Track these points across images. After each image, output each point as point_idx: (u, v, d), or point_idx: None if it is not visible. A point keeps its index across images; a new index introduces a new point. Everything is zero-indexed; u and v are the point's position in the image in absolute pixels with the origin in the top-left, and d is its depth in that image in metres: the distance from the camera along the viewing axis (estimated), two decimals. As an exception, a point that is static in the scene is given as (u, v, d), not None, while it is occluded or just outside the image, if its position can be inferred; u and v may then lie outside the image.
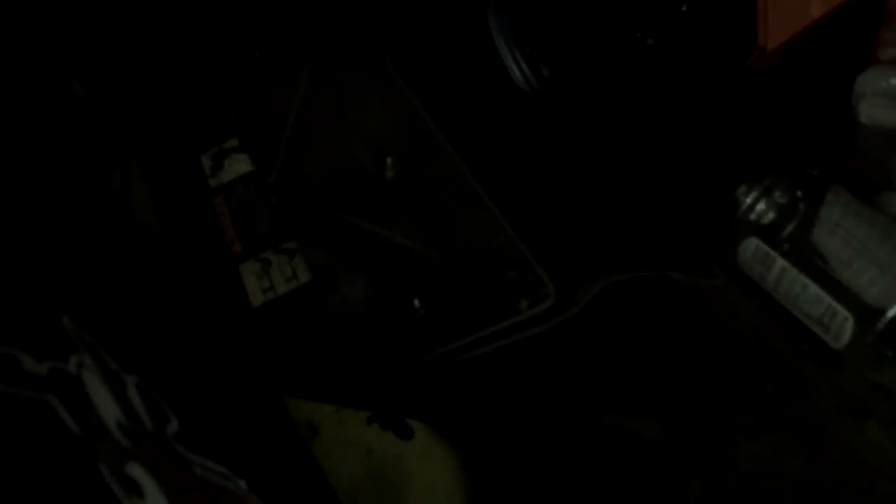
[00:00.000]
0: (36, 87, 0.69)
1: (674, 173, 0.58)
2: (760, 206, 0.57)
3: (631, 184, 0.57)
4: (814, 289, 0.54)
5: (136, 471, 0.33)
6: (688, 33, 0.52)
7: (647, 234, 0.54)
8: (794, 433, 0.57)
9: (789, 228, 0.56)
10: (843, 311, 0.53)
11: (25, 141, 0.59)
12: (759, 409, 0.58)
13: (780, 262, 0.56)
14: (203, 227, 0.61)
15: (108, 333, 0.38)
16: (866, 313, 0.52)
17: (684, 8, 0.52)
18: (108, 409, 0.35)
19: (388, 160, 0.56)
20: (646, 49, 0.53)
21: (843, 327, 0.54)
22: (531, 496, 0.50)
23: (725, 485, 0.56)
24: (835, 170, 0.58)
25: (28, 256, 0.38)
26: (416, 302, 0.53)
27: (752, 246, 0.57)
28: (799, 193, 0.57)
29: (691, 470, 0.49)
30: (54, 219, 0.45)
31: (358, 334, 0.54)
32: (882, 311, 0.52)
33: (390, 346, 0.53)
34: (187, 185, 0.63)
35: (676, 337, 0.55)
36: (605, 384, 0.51)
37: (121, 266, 0.49)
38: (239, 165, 0.63)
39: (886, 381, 0.56)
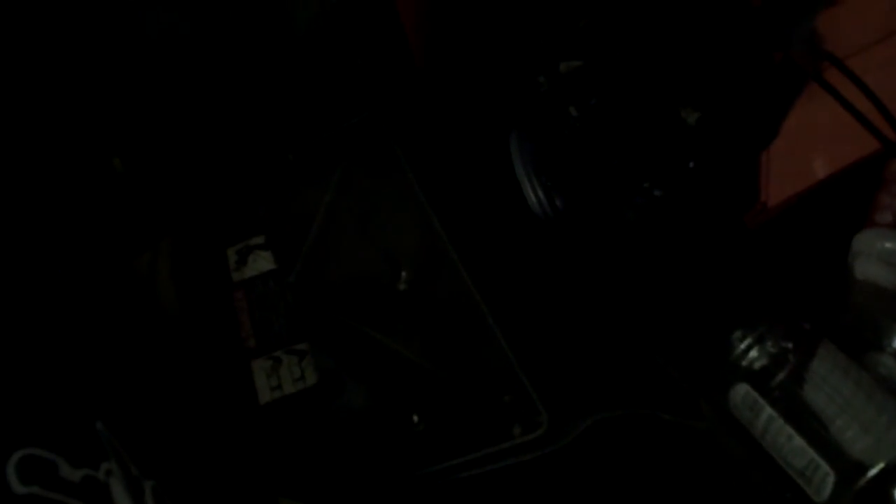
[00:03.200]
0: (79, 161, 0.72)
1: (673, 314, 0.61)
2: (753, 353, 0.59)
3: (631, 320, 0.59)
4: (798, 441, 0.56)
5: None
6: (693, 189, 0.56)
7: (640, 372, 0.56)
8: (772, 581, 0.58)
9: (780, 377, 0.58)
10: (825, 466, 0.55)
11: (65, 215, 0.62)
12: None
13: (768, 411, 0.58)
14: (222, 319, 0.64)
15: (133, 438, 0.40)
16: (848, 470, 0.54)
17: (691, 165, 0.55)
18: None
19: (403, 273, 0.59)
20: (652, 199, 0.56)
21: (824, 482, 0.55)
22: None
23: None
24: (827, 325, 0.61)
25: (63, 357, 0.41)
26: (416, 417, 0.56)
27: (742, 391, 0.59)
28: (790, 345, 0.59)
29: None
30: (84, 309, 0.48)
31: (357, 442, 0.56)
32: (863, 471, 0.53)
33: (388, 458, 0.55)
34: (212, 277, 0.66)
35: (661, 474, 0.57)
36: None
37: (144, 361, 0.51)
38: (262, 262, 0.66)
39: (864, 538, 0.57)
